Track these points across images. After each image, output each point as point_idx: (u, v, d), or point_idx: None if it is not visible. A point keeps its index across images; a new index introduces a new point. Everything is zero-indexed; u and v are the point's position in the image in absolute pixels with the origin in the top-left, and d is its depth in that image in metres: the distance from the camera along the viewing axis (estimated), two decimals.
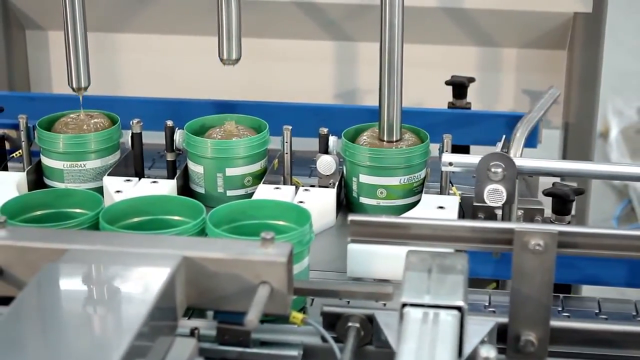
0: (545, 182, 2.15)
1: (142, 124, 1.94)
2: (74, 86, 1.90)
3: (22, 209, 1.61)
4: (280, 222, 1.58)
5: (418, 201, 1.86)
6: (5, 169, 2.01)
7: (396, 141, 1.89)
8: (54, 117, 1.99)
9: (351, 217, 1.39)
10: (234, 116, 1.98)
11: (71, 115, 1.98)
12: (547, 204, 1.92)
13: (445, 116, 2.16)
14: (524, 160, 1.66)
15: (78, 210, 1.65)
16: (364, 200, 1.87)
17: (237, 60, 1.88)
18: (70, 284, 1.28)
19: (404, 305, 1.27)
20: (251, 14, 2.47)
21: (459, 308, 1.26)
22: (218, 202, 1.77)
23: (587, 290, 2.11)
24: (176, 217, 1.61)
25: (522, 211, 1.86)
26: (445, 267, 1.35)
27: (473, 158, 1.66)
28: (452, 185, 1.89)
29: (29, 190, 1.88)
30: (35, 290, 1.25)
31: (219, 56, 1.88)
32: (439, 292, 1.29)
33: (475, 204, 1.82)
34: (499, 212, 1.92)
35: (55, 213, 1.64)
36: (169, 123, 1.93)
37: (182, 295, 1.34)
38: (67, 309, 1.22)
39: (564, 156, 2.41)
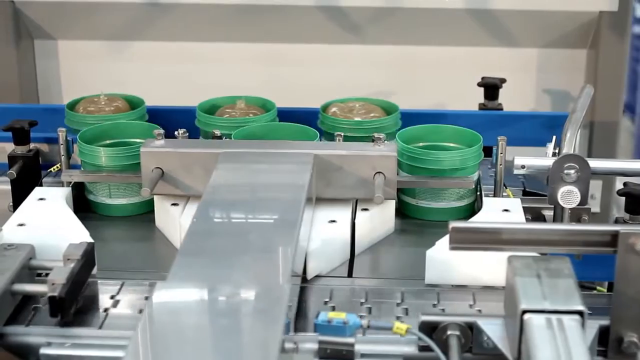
0: None
1: (187, 134, 1.89)
2: None
3: (96, 137, 1.91)
4: (451, 144, 1.90)
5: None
6: (41, 184, 1.93)
7: None
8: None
9: (452, 225, 1.37)
10: (242, 97, 2.08)
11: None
12: (591, 203, 1.92)
13: (480, 118, 2.15)
14: (597, 161, 1.66)
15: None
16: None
17: None
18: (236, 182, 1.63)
19: (524, 312, 1.25)
20: (268, 18, 2.45)
21: (579, 312, 1.25)
22: None
23: None
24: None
25: (569, 211, 1.85)
26: (552, 271, 1.33)
27: (546, 160, 1.65)
28: (506, 187, 1.88)
29: (74, 206, 1.82)
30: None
31: None
32: (556, 297, 1.28)
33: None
34: (547, 213, 1.92)
35: (123, 142, 1.92)
36: (217, 132, 1.89)
37: (314, 187, 1.66)
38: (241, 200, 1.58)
39: (589, 155, 2.42)
